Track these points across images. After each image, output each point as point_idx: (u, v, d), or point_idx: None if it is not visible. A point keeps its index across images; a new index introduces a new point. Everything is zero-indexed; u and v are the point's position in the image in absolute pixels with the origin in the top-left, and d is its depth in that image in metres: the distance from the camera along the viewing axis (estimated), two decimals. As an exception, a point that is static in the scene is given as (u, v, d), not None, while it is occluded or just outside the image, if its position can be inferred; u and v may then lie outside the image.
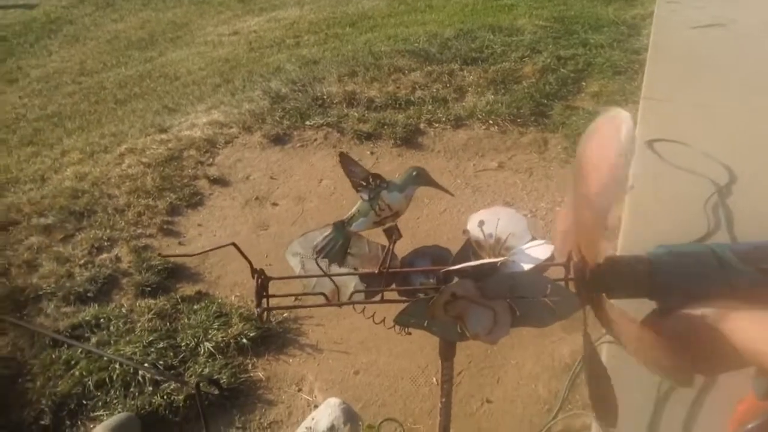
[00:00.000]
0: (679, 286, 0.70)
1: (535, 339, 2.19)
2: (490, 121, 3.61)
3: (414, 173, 0.77)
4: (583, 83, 4.05)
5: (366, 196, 0.75)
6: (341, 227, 0.77)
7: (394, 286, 0.75)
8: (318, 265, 0.74)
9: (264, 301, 0.72)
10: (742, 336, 0.63)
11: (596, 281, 0.69)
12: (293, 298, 0.80)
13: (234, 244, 0.72)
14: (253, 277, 0.72)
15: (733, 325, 0.64)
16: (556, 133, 3.52)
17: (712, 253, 0.71)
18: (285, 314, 2.39)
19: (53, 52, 6.53)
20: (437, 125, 3.64)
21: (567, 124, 3.55)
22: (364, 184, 0.76)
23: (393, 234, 0.75)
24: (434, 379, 2.14)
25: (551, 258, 0.71)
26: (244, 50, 5.60)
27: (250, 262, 0.72)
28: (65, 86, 5.47)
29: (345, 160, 0.76)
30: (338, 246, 0.76)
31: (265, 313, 0.72)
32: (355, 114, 3.77)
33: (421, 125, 3.66)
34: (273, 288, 0.77)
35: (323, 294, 0.74)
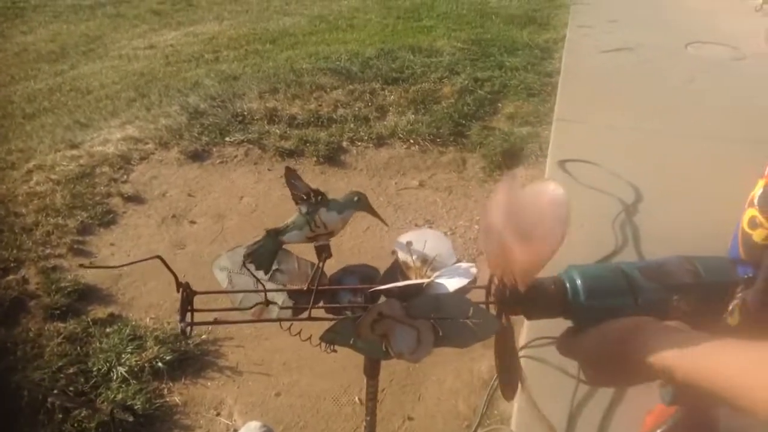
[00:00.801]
0: (591, 305, 0.74)
1: (455, 356, 2.22)
2: (411, 141, 3.66)
3: (355, 198, 0.78)
4: (500, 104, 4.17)
5: (304, 210, 0.75)
6: (273, 235, 0.76)
7: (321, 303, 0.75)
8: (252, 273, 0.73)
9: (188, 315, 0.71)
10: (650, 350, 0.66)
11: (515, 304, 0.72)
12: (219, 313, 0.79)
13: (159, 257, 0.71)
14: (178, 291, 0.71)
15: (641, 340, 0.68)
16: (474, 152, 3.60)
17: (620, 272, 0.75)
18: (203, 336, 2.33)
19: (-44, 63, 6.20)
20: (359, 143, 3.67)
21: (484, 144, 3.64)
22: (305, 198, 0.75)
23: (324, 252, 0.75)
24: (357, 399, 2.13)
25: (474, 281, 0.73)
26: (160, 64, 5.47)
27: (175, 275, 0.70)
28: (-31, 99, 5.19)
29: (289, 174, 0.76)
30: (267, 253, 0.75)
31: (189, 329, 0.71)
32: (277, 131, 3.75)
33: (344, 143, 3.68)
34: (198, 304, 0.76)
35: (249, 309, 0.74)
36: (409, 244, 0.75)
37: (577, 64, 4.40)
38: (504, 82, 4.42)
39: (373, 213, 0.79)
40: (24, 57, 6.26)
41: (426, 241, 0.77)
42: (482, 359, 2.23)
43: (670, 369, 0.65)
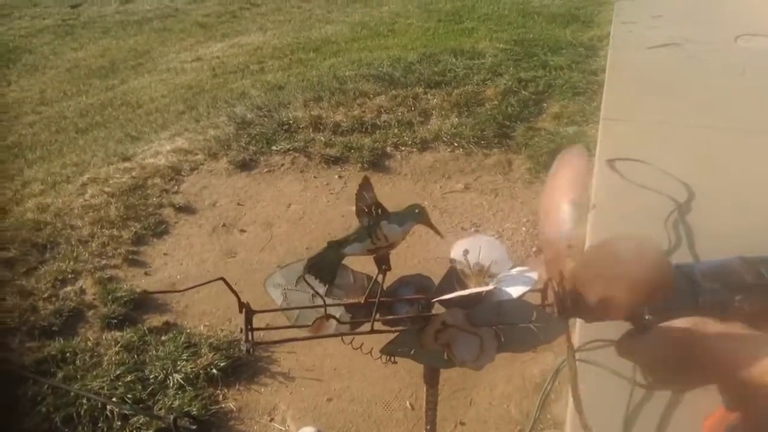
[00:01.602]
0: (652, 306, 0.73)
1: (507, 361, 2.21)
2: (455, 144, 3.66)
3: (416, 211, 0.77)
4: (545, 105, 4.13)
5: (366, 223, 0.75)
6: (335, 247, 0.76)
7: (378, 315, 0.75)
8: (311, 286, 0.73)
9: (250, 334, 0.72)
10: (713, 350, 0.65)
11: (576, 306, 0.72)
12: (279, 330, 0.79)
13: (223, 279, 0.72)
14: (241, 311, 0.72)
15: (704, 340, 0.67)
16: (520, 154, 3.58)
17: (680, 272, 0.74)
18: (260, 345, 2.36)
19: (12, 81, 6.42)
20: (404, 148, 3.68)
21: (530, 145, 3.61)
22: (366, 210, 0.75)
23: (383, 264, 0.75)
24: (408, 404, 2.14)
25: (534, 285, 0.72)
26: (207, 76, 5.58)
27: (237, 296, 0.71)
28: (25, 116, 5.37)
29: (364, 185, 0.76)
30: (330, 264, 0.75)
31: (252, 349, 0.72)
32: (322, 138, 3.78)
33: (388, 149, 3.69)
34: (255, 321, 0.77)
35: (309, 326, 0.74)
36: (465, 252, 0.75)
37: (623, 61, 4.33)
38: (548, 82, 4.37)
39: (431, 226, 0.79)
40: (75, 73, 6.46)
41: (480, 247, 0.77)
42: (533, 363, 2.21)
43: (733, 369, 0.64)
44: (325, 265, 0.75)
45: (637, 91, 3.86)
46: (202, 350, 2.33)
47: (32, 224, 3.16)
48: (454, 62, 4.77)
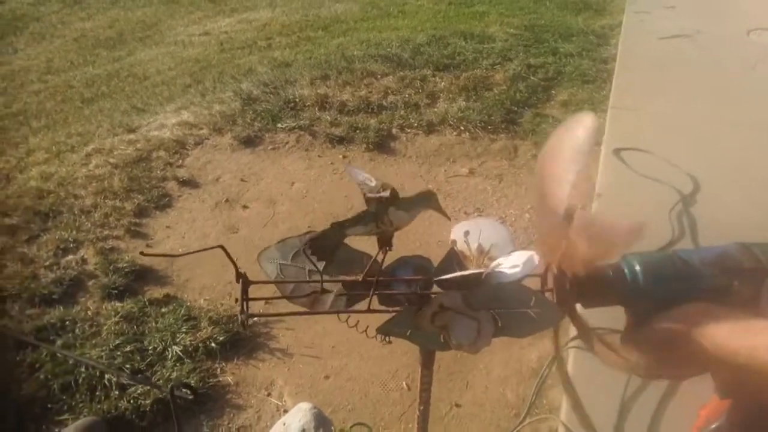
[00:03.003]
0: (651, 292, 0.73)
1: (503, 344, 2.21)
2: (462, 128, 3.64)
3: (426, 198, 0.75)
4: (553, 91, 4.10)
5: (373, 208, 0.73)
6: (338, 228, 0.74)
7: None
8: (310, 260, 0.72)
9: (246, 305, 0.72)
10: (714, 334, 0.65)
11: (575, 292, 0.71)
12: (276, 305, 0.79)
13: (222, 247, 0.72)
14: (238, 281, 0.72)
15: (705, 325, 0.67)
16: (526, 140, 3.56)
17: (679, 258, 0.74)
18: (255, 318, 2.37)
19: (19, 49, 6.39)
20: (409, 130, 3.66)
21: (537, 131, 3.59)
22: (376, 197, 0.73)
23: (385, 243, 0.74)
24: (404, 384, 2.15)
25: (534, 269, 0.72)
26: (214, 51, 5.55)
27: (235, 265, 0.71)
28: (31, 84, 5.35)
29: (351, 170, 0.74)
30: (330, 244, 0.73)
31: (247, 320, 0.72)
32: (328, 117, 3.77)
33: (394, 130, 3.67)
34: (252, 294, 0.76)
35: (305, 297, 0.74)
36: (466, 233, 0.75)
37: (634, 51, 4.29)
38: (558, 69, 4.34)
39: (440, 211, 0.77)
40: (83, 43, 6.42)
41: (481, 230, 0.76)
42: (531, 348, 2.22)
43: (734, 352, 0.64)
44: (325, 244, 0.73)
45: (647, 82, 3.83)
46: (202, 324, 2.34)
47: (35, 192, 3.16)
48: (463, 45, 4.74)
